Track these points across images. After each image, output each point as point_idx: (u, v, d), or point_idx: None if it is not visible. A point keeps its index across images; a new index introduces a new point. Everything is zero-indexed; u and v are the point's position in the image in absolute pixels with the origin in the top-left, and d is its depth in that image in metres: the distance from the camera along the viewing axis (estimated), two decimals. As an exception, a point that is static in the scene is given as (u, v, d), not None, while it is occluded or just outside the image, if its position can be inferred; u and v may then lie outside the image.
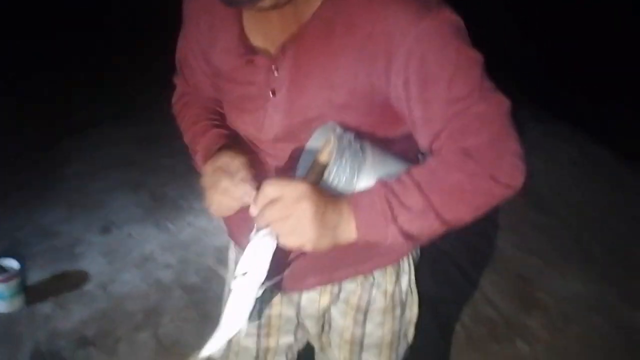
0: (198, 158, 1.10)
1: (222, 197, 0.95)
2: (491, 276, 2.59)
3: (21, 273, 2.36)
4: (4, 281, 2.27)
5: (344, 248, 0.89)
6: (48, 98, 4.00)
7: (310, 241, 0.82)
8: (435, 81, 0.86)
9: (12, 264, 2.36)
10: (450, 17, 0.87)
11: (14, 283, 2.31)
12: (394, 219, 0.84)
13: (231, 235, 1.26)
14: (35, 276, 2.52)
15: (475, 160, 0.85)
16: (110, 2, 5.10)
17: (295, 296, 1.20)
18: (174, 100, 1.24)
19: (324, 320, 1.23)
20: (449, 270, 2.60)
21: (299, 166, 0.98)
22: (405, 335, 1.26)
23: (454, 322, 2.33)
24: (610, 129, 3.67)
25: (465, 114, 0.86)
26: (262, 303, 1.19)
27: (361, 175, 0.88)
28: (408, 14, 0.85)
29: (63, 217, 2.93)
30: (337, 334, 1.23)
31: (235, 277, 0.88)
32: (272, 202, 0.82)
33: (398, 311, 1.21)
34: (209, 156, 1.03)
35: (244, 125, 1.07)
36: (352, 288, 1.17)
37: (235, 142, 1.07)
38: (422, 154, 0.99)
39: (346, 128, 0.92)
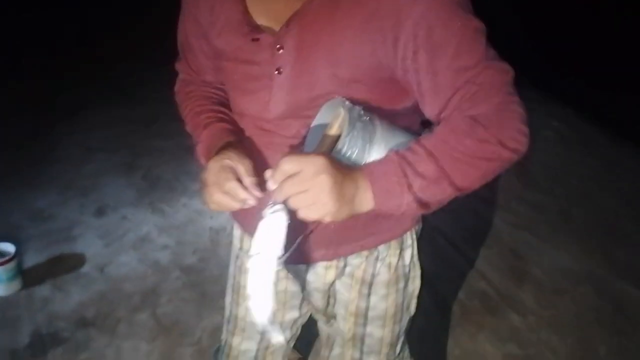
0: (199, 149, 1.10)
1: (224, 197, 0.96)
2: (484, 252, 2.63)
3: (17, 256, 2.36)
4: (0, 264, 2.27)
5: (350, 223, 0.90)
6: (38, 82, 3.96)
7: (329, 213, 0.83)
8: (444, 52, 0.88)
9: (8, 247, 2.36)
10: None
11: (10, 266, 2.31)
12: (409, 187, 0.86)
13: (234, 216, 1.27)
14: (32, 260, 2.52)
15: (484, 126, 0.87)
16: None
17: (301, 271, 1.22)
18: (176, 88, 1.23)
19: (329, 294, 1.26)
20: (443, 246, 2.64)
21: (306, 142, 0.99)
22: (408, 307, 1.29)
23: (449, 297, 2.38)
24: (598, 106, 3.71)
25: (473, 82, 0.88)
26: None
27: (373, 147, 0.90)
28: None
29: (57, 200, 2.92)
30: (343, 306, 1.26)
31: (251, 256, 0.89)
32: (291, 177, 0.83)
33: (401, 284, 1.24)
34: (211, 151, 1.04)
35: (248, 105, 1.07)
36: (357, 262, 1.20)
37: (238, 139, 1.07)
38: (427, 127, 1.00)
39: (353, 103, 0.93)
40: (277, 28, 0.97)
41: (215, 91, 1.18)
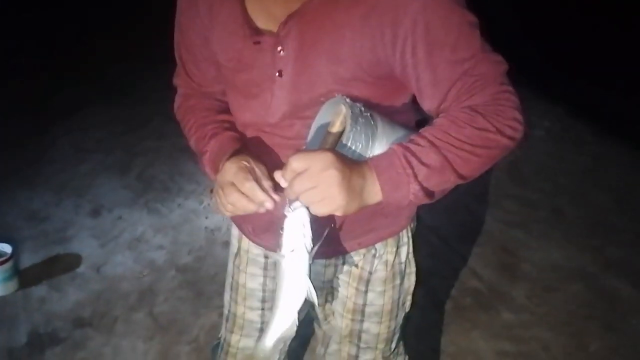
0: (206, 158, 1.10)
1: (242, 198, 0.96)
2: (476, 249, 2.66)
3: (14, 256, 2.37)
4: (-3, 265, 2.28)
5: (349, 222, 0.92)
6: (36, 82, 3.95)
7: (340, 207, 0.85)
8: (442, 46, 0.91)
9: (5, 248, 2.37)
10: None
11: (7, 266, 2.32)
12: (415, 177, 0.88)
13: (234, 219, 1.29)
14: (28, 260, 2.53)
15: (482, 115, 0.90)
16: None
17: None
18: (176, 104, 1.22)
19: (327, 291, 1.28)
20: (436, 244, 2.67)
21: (308, 142, 1.01)
22: (404, 303, 1.32)
23: (442, 294, 2.40)
24: (588, 105, 3.75)
25: (471, 74, 0.92)
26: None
27: (375, 141, 0.93)
28: None
29: (52, 201, 2.93)
30: (340, 303, 1.28)
31: (283, 256, 0.90)
32: (300, 174, 0.85)
33: (398, 280, 1.26)
34: (219, 159, 1.04)
35: (250, 111, 1.08)
36: (355, 260, 1.22)
37: (245, 147, 1.08)
38: (424, 122, 1.03)
39: (354, 100, 0.96)
40: (275, 29, 0.98)
41: (216, 102, 1.18)
